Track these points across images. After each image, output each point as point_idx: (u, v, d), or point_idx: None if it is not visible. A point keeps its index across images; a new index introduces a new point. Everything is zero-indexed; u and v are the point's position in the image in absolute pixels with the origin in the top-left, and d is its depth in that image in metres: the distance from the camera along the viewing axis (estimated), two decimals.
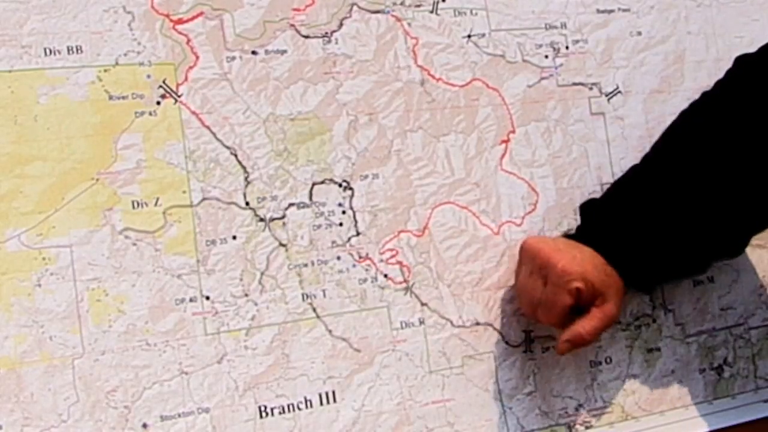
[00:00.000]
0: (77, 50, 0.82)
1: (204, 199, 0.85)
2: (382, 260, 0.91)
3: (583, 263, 0.89)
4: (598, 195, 0.98)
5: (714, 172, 0.91)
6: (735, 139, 0.91)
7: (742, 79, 0.95)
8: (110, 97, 0.83)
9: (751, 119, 0.90)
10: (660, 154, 0.96)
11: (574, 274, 0.88)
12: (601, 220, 0.93)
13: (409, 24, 0.94)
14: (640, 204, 0.92)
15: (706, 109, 0.95)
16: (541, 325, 0.96)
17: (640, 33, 1.04)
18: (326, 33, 0.91)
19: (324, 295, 0.88)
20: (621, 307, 0.92)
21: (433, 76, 0.95)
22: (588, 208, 0.96)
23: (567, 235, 0.95)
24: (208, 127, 0.86)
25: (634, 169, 0.96)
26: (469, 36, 0.97)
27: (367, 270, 0.90)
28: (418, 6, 0.95)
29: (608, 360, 0.99)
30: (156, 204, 0.83)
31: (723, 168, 0.90)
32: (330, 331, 0.88)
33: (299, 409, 0.86)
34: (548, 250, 0.90)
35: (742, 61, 0.96)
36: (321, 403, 0.87)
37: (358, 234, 0.90)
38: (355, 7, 0.92)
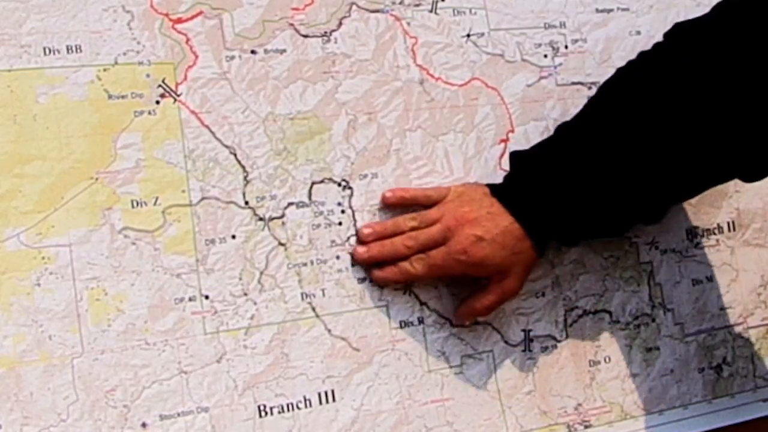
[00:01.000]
0: (76, 49, 0.82)
1: (203, 198, 0.85)
2: None
3: (491, 245, 0.87)
4: None
5: (639, 133, 0.88)
6: (662, 103, 0.88)
7: (676, 42, 0.92)
8: (109, 97, 0.83)
9: (679, 83, 0.88)
10: (590, 112, 0.93)
11: (474, 258, 0.87)
12: (523, 177, 0.91)
13: (408, 23, 0.94)
14: (562, 161, 0.89)
15: (640, 70, 0.92)
16: (541, 325, 0.96)
17: (639, 32, 1.04)
18: (325, 32, 0.91)
19: (323, 295, 0.88)
20: (525, 278, 0.91)
21: (432, 76, 0.95)
22: (515, 160, 0.93)
23: (494, 189, 0.91)
24: (207, 127, 0.86)
25: (565, 124, 0.94)
26: (468, 35, 0.97)
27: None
28: (417, 5, 0.95)
29: (607, 359, 0.99)
30: (155, 203, 0.83)
31: (648, 130, 0.87)
32: (329, 331, 0.88)
33: (298, 408, 0.86)
34: (463, 216, 0.88)
35: (679, 25, 0.94)
36: (320, 403, 0.87)
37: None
38: (354, 7, 0.92)
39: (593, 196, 0.88)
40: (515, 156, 0.93)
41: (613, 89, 0.93)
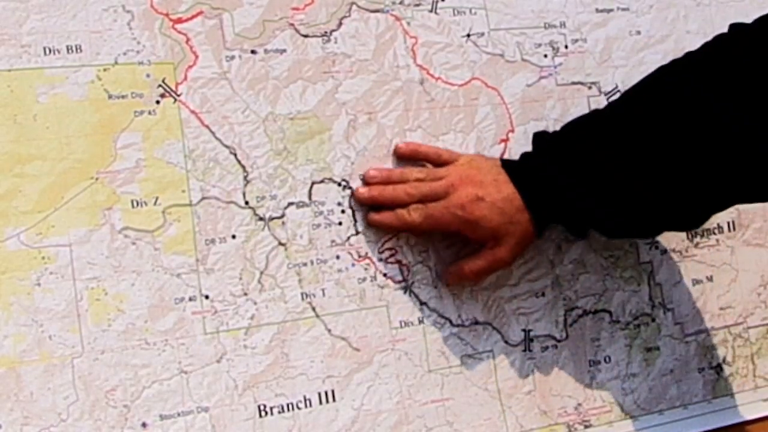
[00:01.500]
0: (76, 49, 0.82)
1: (203, 198, 0.85)
2: (381, 259, 0.91)
3: (490, 207, 0.87)
4: None
5: (665, 136, 0.85)
6: (698, 110, 0.84)
7: (724, 47, 0.88)
8: (109, 96, 0.83)
9: (720, 92, 0.84)
10: (625, 103, 0.90)
11: (471, 215, 0.87)
12: (537, 156, 0.90)
13: (408, 23, 0.94)
14: (583, 148, 0.87)
15: (679, 72, 0.89)
16: (541, 325, 0.96)
17: (639, 32, 1.04)
18: (325, 32, 0.91)
19: (323, 295, 0.88)
20: (518, 252, 0.90)
21: (432, 76, 0.95)
22: (536, 139, 0.92)
23: (505, 162, 0.91)
24: (207, 127, 0.86)
25: (595, 111, 0.92)
26: (468, 35, 0.97)
27: (366, 269, 0.90)
28: (417, 5, 0.95)
29: (607, 359, 0.99)
30: (155, 203, 0.83)
31: (675, 135, 0.85)
32: (329, 330, 0.88)
33: (298, 408, 0.86)
34: (469, 176, 0.88)
35: (734, 28, 0.90)
36: (320, 402, 0.87)
37: (357, 233, 0.90)
38: (354, 7, 0.92)
39: (602, 186, 0.86)
40: (536, 135, 0.93)
41: (650, 86, 0.90)
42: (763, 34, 0.86)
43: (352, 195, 0.90)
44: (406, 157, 0.92)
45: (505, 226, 0.88)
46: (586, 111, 0.99)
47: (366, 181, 0.90)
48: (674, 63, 0.90)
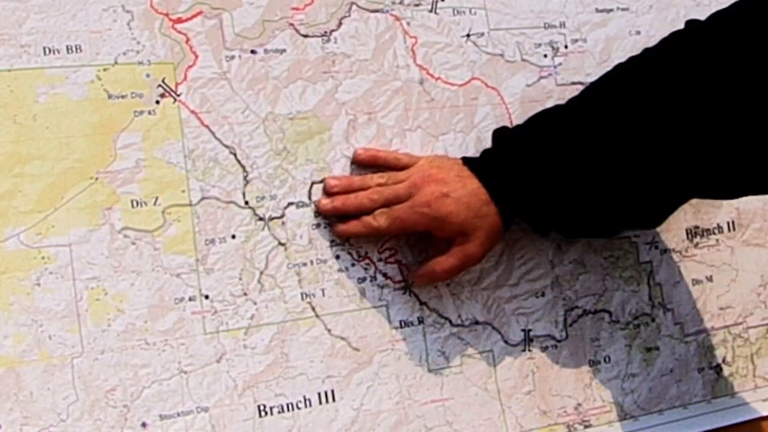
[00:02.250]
0: (76, 49, 0.82)
1: (203, 198, 0.85)
2: (381, 259, 0.91)
3: (456, 203, 0.86)
4: None
5: (628, 128, 0.85)
6: (660, 101, 0.84)
7: (683, 41, 0.88)
8: (109, 96, 0.83)
9: (683, 82, 0.84)
10: (584, 99, 0.90)
11: (437, 212, 0.86)
12: (499, 150, 0.90)
13: (408, 23, 0.94)
14: (544, 140, 0.87)
15: (644, 63, 0.89)
16: (541, 325, 0.96)
17: (639, 32, 1.04)
18: (325, 32, 0.91)
19: (323, 294, 0.88)
20: (488, 247, 0.89)
21: (432, 75, 0.95)
22: (495, 135, 0.92)
23: (467, 159, 0.91)
24: (207, 126, 0.86)
25: (556, 107, 0.92)
26: (468, 35, 0.97)
27: (366, 269, 0.90)
28: (417, 5, 0.95)
29: (607, 359, 0.99)
30: (155, 203, 0.83)
31: (638, 127, 0.84)
32: (329, 330, 0.88)
33: (298, 408, 0.86)
34: (431, 175, 0.87)
35: (689, 25, 0.90)
36: (320, 402, 0.87)
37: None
38: (354, 7, 0.92)
39: (565, 176, 0.86)
40: (496, 131, 0.92)
41: (608, 83, 0.90)
42: (715, 30, 0.86)
43: (317, 204, 0.88)
44: (365, 164, 0.91)
45: (473, 220, 0.87)
46: None
47: (326, 191, 0.89)
48: (631, 60, 0.90)
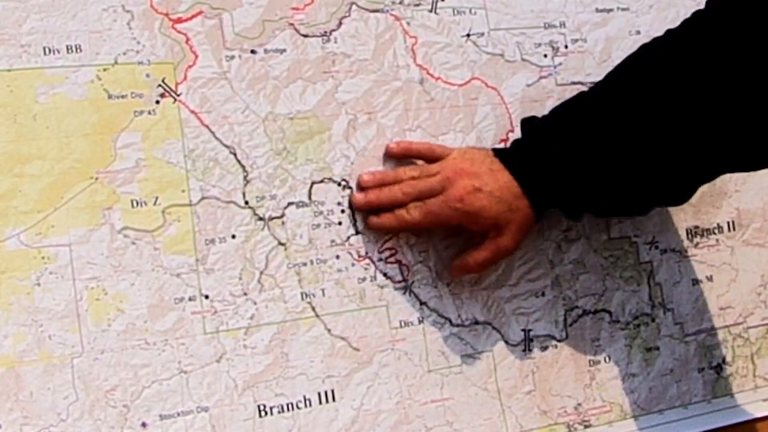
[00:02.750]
0: (76, 49, 0.82)
1: (203, 198, 0.85)
2: (381, 259, 0.91)
3: (488, 197, 0.87)
4: None
5: (655, 110, 0.86)
6: (685, 82, 0.86)
7: (705, 19, 0.89)
8: (109, 96, 0.83)
9: (705, 65, 0.86)
10: (610, 82, 0.91)
11: (470, 207, 0.87)
12: (529, 140, 0.91)
13: (408, 23, 0.94)
14: (574, 130, 0.88)
15: (668, 43, 0.90)
16: (541, 325, 0.96)
17: (639, 32, 1.04)
18: (325, 32, 0.91)
19: (323, 294, 0.88)
20: (520, 240, 0.90)
21: (432, 75, 0.95)
22: (524, 124, 0.93)
23: (497, 151, 0.91)
24: (207, 126, 0.86)
25: (581, 94, 0.93)
26: (468, 35, 0.97)
27: (366, 269, 0.90)
28: (417, 5, 0.95)
29: (607, 359, 0.99)
30: (155, 203, 0.83)
31: (665, 108, 0.86)
32: (329, 330, 0.88)
33: (298, 408, 0.86)
34: (463, 169, 0.88)
35: (712, 3, 0.90)
36: (320, 402, 0.87)
37: (357, 233, 0.90)
38: (354, 6, 0.92)
39: (597, 166, 0.87)
40: (524, 121, 0.93)
41: (633, 65, 0.91)
42: (738, 6, 0.86)
43: (351, 199, 0.90)
44: (398, 157, 0.91)
45: (505, 214, 0.88)
46: None
47: (360, 186, 0.90)
48: (655, 41, 0.91)
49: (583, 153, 0.87)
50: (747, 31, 0.84)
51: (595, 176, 0.87)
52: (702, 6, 0.91)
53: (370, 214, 0.90)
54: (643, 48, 0.91)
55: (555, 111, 0.92)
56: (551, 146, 0.88)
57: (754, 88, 0.84)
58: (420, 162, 0.92)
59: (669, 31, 0.91)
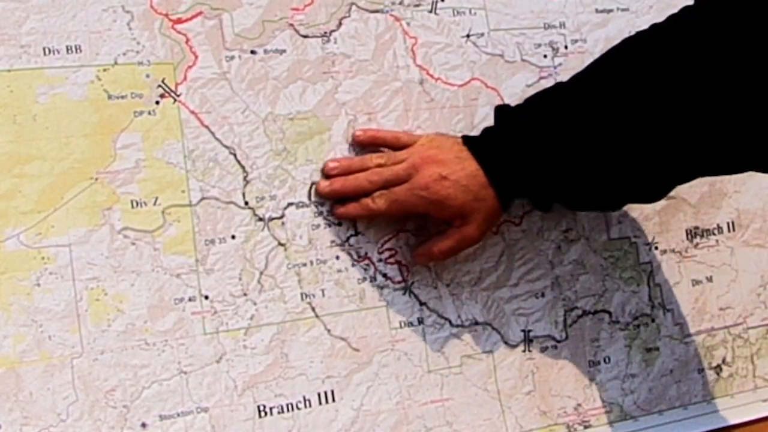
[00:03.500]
0: (76, 50, 0.82)
1: (203, 198, 0.85)
2: (380, 260, 0.91)
3: (454, 185, 0.86)
4: None
5: (629, 105, 0.84)
6: (663, 79, 0.84)
7: (690, 17, 0.87)
8: (109, 97, 0.83)
9: (684, 61, 0.83)
10: (588, 74, 0.89)
11: (436, 195, 0.86)
12: (498, 128, 0.90)
13: (407, 23, 0.94)
14: (546, 119, 0.87)
15: (651, 38, 0.88)
16: (541, 325, 0.96)
17: None
18: (325, 32, 0.91)
19: (323, 295, 0.88)
20: (486, 229, 0.89)
21: (432, 76, 0.95)
22: (497, 112, 0.92)
23: (467, 138, 0.90)
24: (207, 127, 0.86)
25: (558, 84, 0.91)
26: (467, 35, 0.97)
27: (365, 269, 0.90)
28: (417, 5, 0.95)
29: (607, 359, 0.99)
30: (155, 203, 0.83)
31: (639, 104, 0.84)
32: (329, 331, 0.88)
33: (298, 408, 0.86)
34: (430, 156, 0.87)
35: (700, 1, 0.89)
36: (320, 403, 0.87)
37: (357, 233, 0.90)
38: (353, 7, 0.92)
39: (567, 156, 0.85)
40: (497, 108, 0.92)
41: (613, 58, 0.89)
42: (723, 6, 0.85)
43: (316, 187, 0.88)
44: (365, 144, 0.91)
45: (471, 203, 0.87)
46: None
47: (326, 173, 0.89)
48: (638, 35, 0.89)
49: (554, 142, 0.86)
50: (734, 33, 0.83)
51: (564, 166, 0.86)
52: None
53: (335, 203, 0.89)
54: (626, 41, 0.90)
55: (529, 99, 0.90)
56: (519, 134, 0.87)
57: (737, 89, 0.82)
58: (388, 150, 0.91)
59: (654, 26, 0.89)
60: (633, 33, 0.90)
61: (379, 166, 0.89)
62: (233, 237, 0.85)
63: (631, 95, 0.85)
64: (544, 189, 0.88)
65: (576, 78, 0.90)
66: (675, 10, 1.02)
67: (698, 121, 0.83)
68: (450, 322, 0.93)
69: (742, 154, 0.85)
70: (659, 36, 0.87)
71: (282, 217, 0.87)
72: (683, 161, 0.86)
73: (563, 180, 0.86)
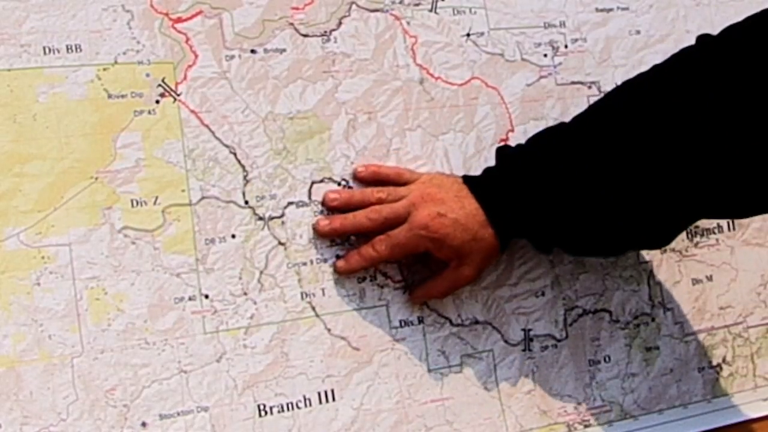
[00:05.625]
0: (76, 49, 0.82)
1: (203, 197, 0.85)
2: None
3: (453, 224, 0.86)
4: None
5: (644, 149, 0.83)
6: (667, 122, 0.82)
7: (693, 58, 0.86)
8: (109, 96, 0.83)
9: (693, 102, 0.82)
10: (590, 117, 0.89)
11: (435, 233, 0.86)
12: (499, 168, 0.89)
13: (408, 23, 0.94)
14: (547, 160, 0.86)
15: (653, 82, 0.87)
16: (541, 325, 0.96)
17: (638, 32, 1.04)
18: (325, 32, 0.91)
19: (323, 294, 0.88)
20: (483, 269, 0.90)
21: (432, 75, 0.95)
22: (499, 153, 0.91)
23: (467, 178, 0.90)
24: (207, 126, 0.86)
25: (560, 125, 0.91)
26: (468, 35, 0.97)
27: (365, 270, 0.90)
28: (417, 5, 0.95)
29: (607, 359, 0.99)
30: (155, 203, 0.83)
31: (655, 147, 0.82)
32: (329, 330, 0.88)
33: (298, 407, 0.86)
34: (429, 194, 0.87)
35: (701, 40, 0.88)
36: (320, 402, 0.87)
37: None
38: (354, 6, 0.92)
39: (567, 200, 0.85)
40: (499, 149, 0.92)
41: (616, 101, 0.88)
42: (728, 46, 0.84)
43: (315, 226, 0.88)
44: (366, 181, 0.90)
45: (469, 243, 0.87)
46: None
47: (326, 205, 0.88)
48: (640, 76, 0.89)
49: (554, 184, 0.85)
50: (737, 74, 0.82)
51: (564, 210, 0.85)
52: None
53: (336, 262, 0.88)
54: (628, 83, 0.89)
55: (531, 140, 0.90)
56: (520, 174, 0.87)
57: (740, 133, 0.81)
58: None
59: (655, 67, 0.88)
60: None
61: (380, 200, 0.88)
62: (233, 236, 0.85)
63: (634, 139, 0.84)
64: (544, 232, 0.88)
65: (578, 119, 0.89)
66: (675, 10, 1.02)
67: (702, 164, 0.82)
68: (450, 321, 0.93)
69: (750, 199, 0.84)
70: (661, 78, 0.86)
71: (282, 216, 0.87)
72: (685, 206, 0.85)
73: (563, 224, 0.86)
